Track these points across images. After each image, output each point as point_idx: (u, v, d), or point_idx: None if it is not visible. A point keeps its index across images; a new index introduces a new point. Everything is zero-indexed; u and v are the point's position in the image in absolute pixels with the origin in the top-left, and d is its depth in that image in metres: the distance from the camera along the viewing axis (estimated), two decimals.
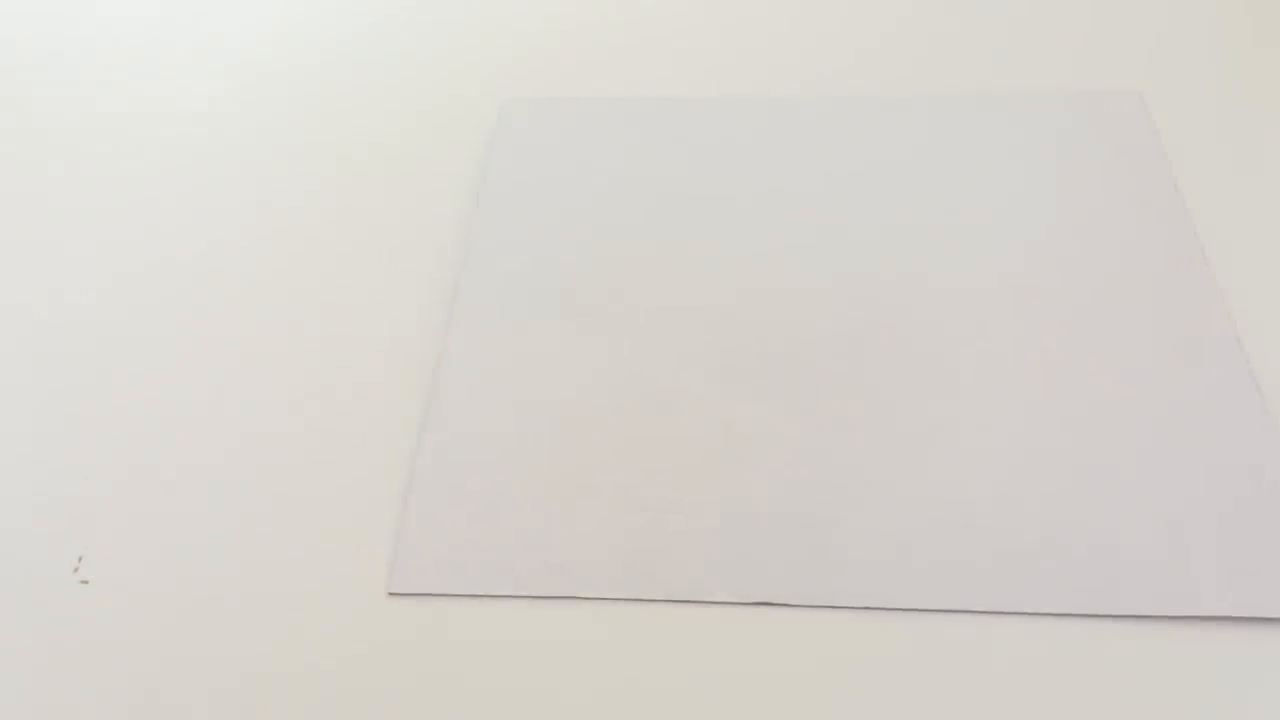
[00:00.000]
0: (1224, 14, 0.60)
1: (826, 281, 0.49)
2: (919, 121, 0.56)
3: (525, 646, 0.38)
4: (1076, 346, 0.45)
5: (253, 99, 0.61)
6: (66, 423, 0.46)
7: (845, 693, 0.37)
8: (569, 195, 0.53)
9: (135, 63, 0.64)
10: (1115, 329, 0.46)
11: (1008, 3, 0.62)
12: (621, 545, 0.40)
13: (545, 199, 0.53)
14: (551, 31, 0.63)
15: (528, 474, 0.43)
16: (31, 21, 0.68)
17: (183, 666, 0.39)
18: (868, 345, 0.46)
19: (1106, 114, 0.55)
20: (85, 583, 0.41)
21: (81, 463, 0.45)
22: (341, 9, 0.66)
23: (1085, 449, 0.42)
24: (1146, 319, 0.46)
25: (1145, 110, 0.54)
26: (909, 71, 0.58)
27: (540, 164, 0.55)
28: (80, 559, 0.42)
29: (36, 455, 0.45)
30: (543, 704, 0.37)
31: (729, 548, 0.40)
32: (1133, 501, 0.40)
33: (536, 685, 0.37)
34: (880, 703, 0.37)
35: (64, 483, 0.44)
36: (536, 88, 0.59)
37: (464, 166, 0.55)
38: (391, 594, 0.40)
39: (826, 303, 0.48)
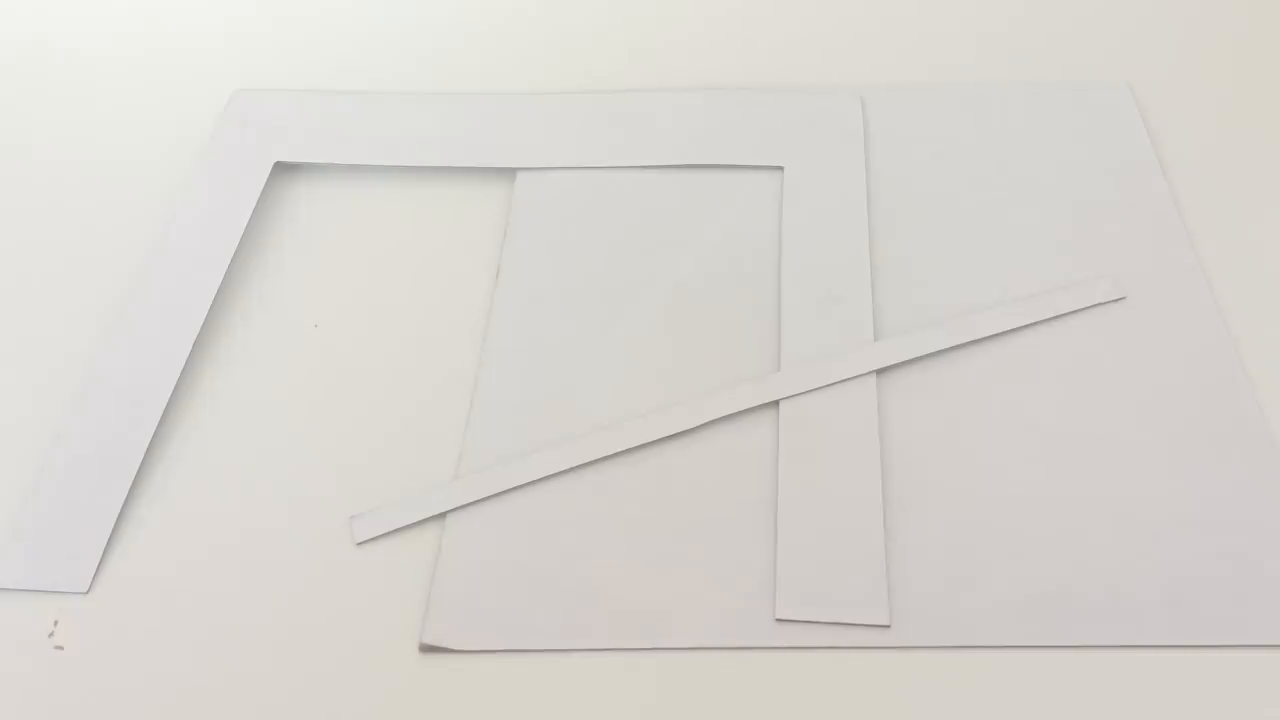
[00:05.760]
0: (1212, 3, 0.60)
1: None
2: (906, 111, 0.54)
3: (561, 701, 0.36)
4: (1062, 341, 0.45)
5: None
6: None
7: None
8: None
9: (133, 69, 0.61)
10: (1100, 322, 0.46)
11: None
12: (660, 595, 0.38)
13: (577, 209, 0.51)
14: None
15: (562, 525, 0.40)
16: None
17: None
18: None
19: (1094, 103, 0.55)
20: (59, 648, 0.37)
21: None
22: (350, 13, 0.63)
23: (1082, 445, 0.42)
24: (1131, 311, 0.46)
25: (1133, 100, 0.54)
26: (896, 62, 0.58)
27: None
28: (55, 623, 0.38)
29: None
30: None
31: (766, 594, 0.38)
32: (1131, 529, 0.39)
33: None
34: None
35: None
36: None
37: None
38: (424, 647, 0.37)
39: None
